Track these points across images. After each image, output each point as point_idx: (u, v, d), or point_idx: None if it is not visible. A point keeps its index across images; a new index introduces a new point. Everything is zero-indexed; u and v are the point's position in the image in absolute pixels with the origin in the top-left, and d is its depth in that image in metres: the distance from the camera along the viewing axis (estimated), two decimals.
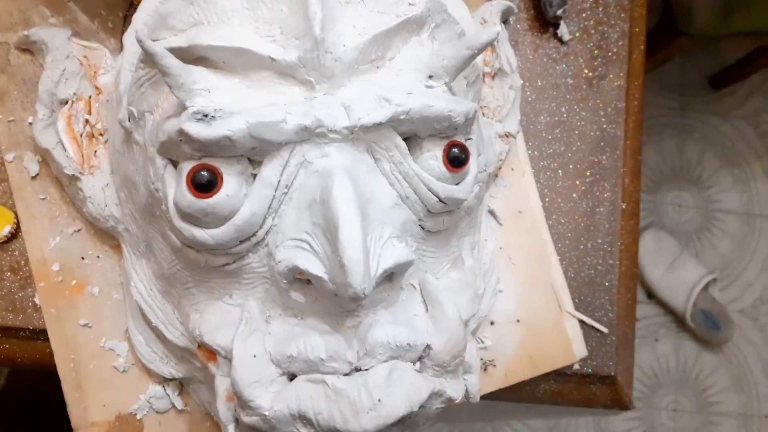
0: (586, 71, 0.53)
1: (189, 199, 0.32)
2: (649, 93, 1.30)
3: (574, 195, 0.51)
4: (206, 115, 0.31)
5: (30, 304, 0.44)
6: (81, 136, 0.43)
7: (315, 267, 0.31)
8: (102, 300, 0.44)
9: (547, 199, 0.51)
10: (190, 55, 0.33)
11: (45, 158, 0.44)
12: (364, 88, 0.32)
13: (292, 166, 0.32)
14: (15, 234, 0.44)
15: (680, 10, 1.06)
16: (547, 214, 0.50)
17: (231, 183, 0.32)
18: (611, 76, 0.53)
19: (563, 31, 0.53)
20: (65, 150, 0.42)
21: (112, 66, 0.45)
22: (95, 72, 0.44)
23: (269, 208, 0.33)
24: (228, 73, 0.33)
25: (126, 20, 0.47)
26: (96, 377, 0.44)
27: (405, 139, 0.34)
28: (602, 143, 0.52)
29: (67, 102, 0.43)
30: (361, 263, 0.29)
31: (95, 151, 0.43)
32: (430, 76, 0.34)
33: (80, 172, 0.42)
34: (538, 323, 0.48)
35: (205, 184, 0.31)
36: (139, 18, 0.38)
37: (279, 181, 0.32)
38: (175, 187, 0.33)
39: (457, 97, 0.34)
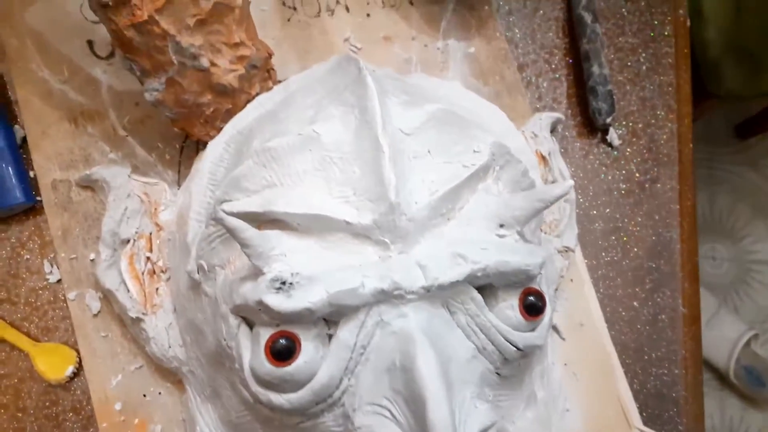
0: (637, 175, 0.53)
1: (267, 367, 0.31)
2: None
3: (635, 303, 0.50)
4: (284, 283, 0.31)
5: None
6: (143, 274, 0.43)
7: None
8: None
9: (608, 309, 0.50)
10: (266, 218, 0.33)
11: (107, 298, 0.44)
12: (438, 244, 0.32)
13: (368, 326, 0.32)
14: (77, 373, 0.44)
15: (708, 73, 1.06)
16: (609, 325, 0.49)
17: (308, 348, 0.31)
18: (663, 178, 0.53)
19: (612, 136, 0.52)
20: (128, 291, 0.42)
21: (172, 200, 0.45)
22: (155, 209, 0.45)
23: (345, 369, 0.32)
24: (303, 235, 0.33)
25: (182, 151, 0.47)
26: None
27: (478, 289, 0.33)
28: (659, 248, 0.52)
29: (129, 241, 0.43)
30: None
31: (157, 289, 0.43)
32: (501, 225, 0.34)
33: (143, 313, 0.42)
34: None
35: (284, 352, 0.31)
36: (206, 167, 0.38)
37: (355, 342, 0.32)
38: (250, 350, 0.33)
39: (530, 246, 0.34)
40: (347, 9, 0.51)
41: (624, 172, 0.53)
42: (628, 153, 0.53)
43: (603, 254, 0.51)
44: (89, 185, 0.46)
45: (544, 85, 0.54)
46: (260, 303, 0.31)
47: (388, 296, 0.31)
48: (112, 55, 0.48)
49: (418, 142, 0.34)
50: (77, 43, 0.48)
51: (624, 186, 0.53)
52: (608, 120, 0.51)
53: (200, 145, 0.47)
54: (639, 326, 0.50)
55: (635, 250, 0.51)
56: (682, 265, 0.52)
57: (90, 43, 0.48)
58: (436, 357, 0.30)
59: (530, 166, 0.39)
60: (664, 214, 0.52)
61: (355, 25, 0.51)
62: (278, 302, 0.30)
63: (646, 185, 0.53)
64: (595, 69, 0.51)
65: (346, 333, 0.32)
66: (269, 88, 0.45)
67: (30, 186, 0.45)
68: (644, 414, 0.49)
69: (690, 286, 0.51)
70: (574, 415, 0.47)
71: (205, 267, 0.36)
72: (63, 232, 0.45)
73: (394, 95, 0.36)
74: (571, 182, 0.32)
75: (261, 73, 0.43)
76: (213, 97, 0.42)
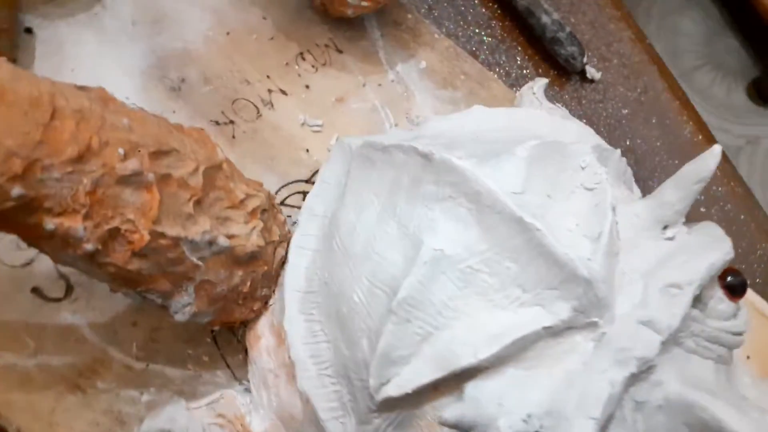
0: (629, 94, 0.51)
1: None
2: None
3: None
4: None
5: None
6: None
7: None
8: None
9: None
10: (451, 375, 0.27)
11: None
12: (635, 289, 0.28)
13: (629, 420, 0.27)
14: None
15: None
16: None
17: None
18: (650, 83, 0.51)
19: (591, 72, 0.50)
20: None
21: (250, 403, 0.37)
22: (242, 424, 0.36)
23: None
24: (497, 370, 0.27)
25: (217, 342, 0.39)
26: None
27: None
28: (687, 149, 0.50)
29: None
30: None
31: None
32: (665, 227, 0.30)
33: None
34: None
35: None
36: (301, 356, 0.31)
37: None
38: None
39: (703, 229, 0.30)
40: (283, 92, 0.44)
41: (617, 98, 0.51)
42: (610, 79, 0.51)
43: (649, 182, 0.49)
44: None
45: (503, 59, 0.50)
46: None
47: (637, 378, 0.26)
48: (70, 289, 0.38)
49: (535, 195, 0.29)
50: (21, 299, 0.37)
51: (626, 110, 0.50)
52: (584, 60, 0.48)
53: (236, 328, 0.39)
54: None
55: (670, 159, 0.50)
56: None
57: (37, 290, 0.38)
58: (718, 398, 0.26)
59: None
60: (672, 116, 0.51)
61: (301, 104, 0.44)
62: None
63: (642, 99, 0.51)
64: (545, 19, 0.48)
65: None
66: (282, 223, 0.37)
67: None
68: None
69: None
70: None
71: None
72: None
73: (465, 158, 0.30)
74: (719, 147, 0.29)
75: (271, 213, 0.36)
76: (244, 271, 0.34)
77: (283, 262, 0.37)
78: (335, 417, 0.30)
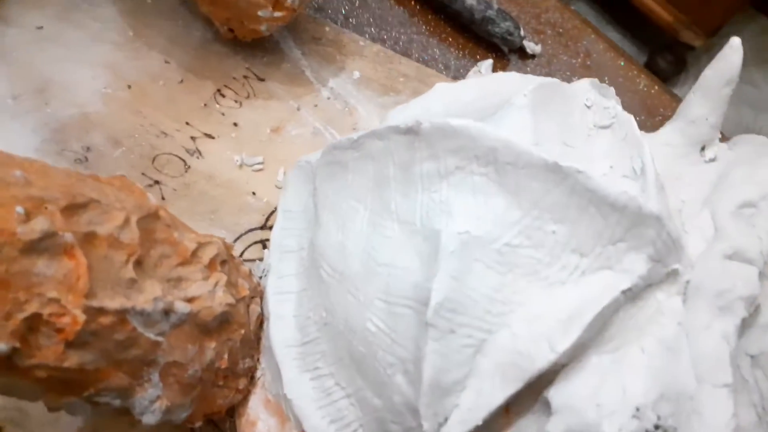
0: (573, 61, 0.48)
1: None
2: None
3: None
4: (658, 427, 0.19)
5: None
6: None
7: None
8: None
9: None
10: (526, 387, 0.20)
11: None
12: (705, 220, 0.23)
13: (750, 381, 0.21)
14: None
15: None
16: None
17: None
18: (590, 46, 0.49)
19: (531, 46, 0.47)
20: None
21: None
22: None
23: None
24: (579, 360, 0.21)
25: None
26: None
27: None
28: (647, 102, 0.47)
29: None
30: None
31: None
32: (703, 148, 0.25)
33: None
34: None
35: None
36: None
37: None
38: None
39: (746, 138, 0.26)
40: (209, 136, 0.38)
41: (563, 67, 0.47)
42: (550, 51, 0.48)
43: None
44: None
45: (438, 53, 0.46)
46: None
47: (745, 326, 0.21)
48: None
49: (552, 144, 0.24)
50: None
51: (575, 77, 0.47)
52: (522, 33, 0.45)
53: (223, 420, 0.31)
54: None
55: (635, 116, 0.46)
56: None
57: None
58: None
59: None
60: (622, 73, 0.48)
61: (233, 145, 0.38)
62: None
63: (588, 63, 0.48)
64: (471, 1, 0.44)
65: None
66: (248, 275, 0.30)
67: None
68: None
69: None
70: None
71: None
72: None
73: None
74: (737, 39, 0.25)
75: (232, 264, 0.29)
76: (216, 341, 0.26)
77: (262, 321, 0.30)
78: None
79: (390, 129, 0.24)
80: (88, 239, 0.22)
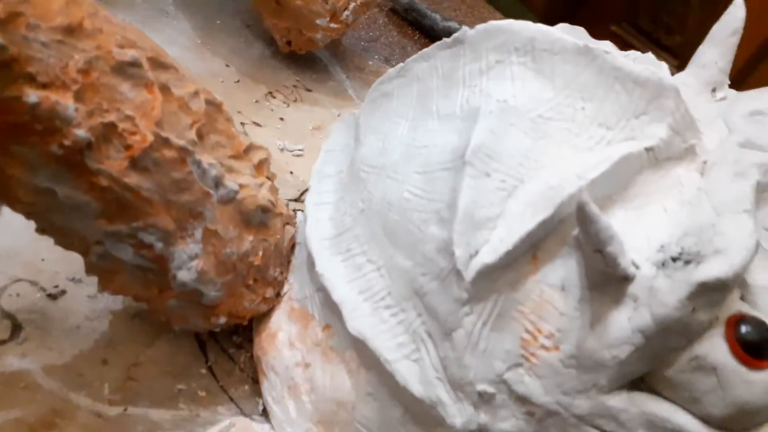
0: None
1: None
2: None
3: None
4: (676, 259, 0.19)
5: None
6: None
7: None
8: None
9: None
10: (554, 219, 0.21)
11: None
12: (720, 125, 0.25)
13: None
14: None
15: None
16: None
17: None
18: None
19: (449, 24, 0.53)
20: None
21: (270, 429, 0.28)
22: None
23: None
24: (607, 208, 0.22)
25: (213, 372, 0.30)
26: None
27: None
28: None
29: None
30: None
31: None
32: (714, 90, 0.28)
33: None
34: None
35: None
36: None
37: None
38: None
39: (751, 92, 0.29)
40: (257, 124, 0.41)
41: None
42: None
43: None
44: None
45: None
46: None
47: (760, 197, 0.22)
48: (17, 329, 0.29)
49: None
50: None
51: None
52: (445, 18, 0.52)
53: (228, 349, 0.31)
54: None
55: None
56: None
57: None
58: None
59: None
60: None
61: (277, 134, 0.41)
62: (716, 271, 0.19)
63: None
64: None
65: None
66: (285, 204, 0.32)
67: None
68: None
69: None
70: None
71: None
72: None
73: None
74: None
75: (274, 181, 0.31)
76: (254, 236, 0.28)
77: (294, 244, 0.31)
78: (405, 355, 0.23)
79: (436, 46, 0.28)
80: (165, 91, 0.24)
